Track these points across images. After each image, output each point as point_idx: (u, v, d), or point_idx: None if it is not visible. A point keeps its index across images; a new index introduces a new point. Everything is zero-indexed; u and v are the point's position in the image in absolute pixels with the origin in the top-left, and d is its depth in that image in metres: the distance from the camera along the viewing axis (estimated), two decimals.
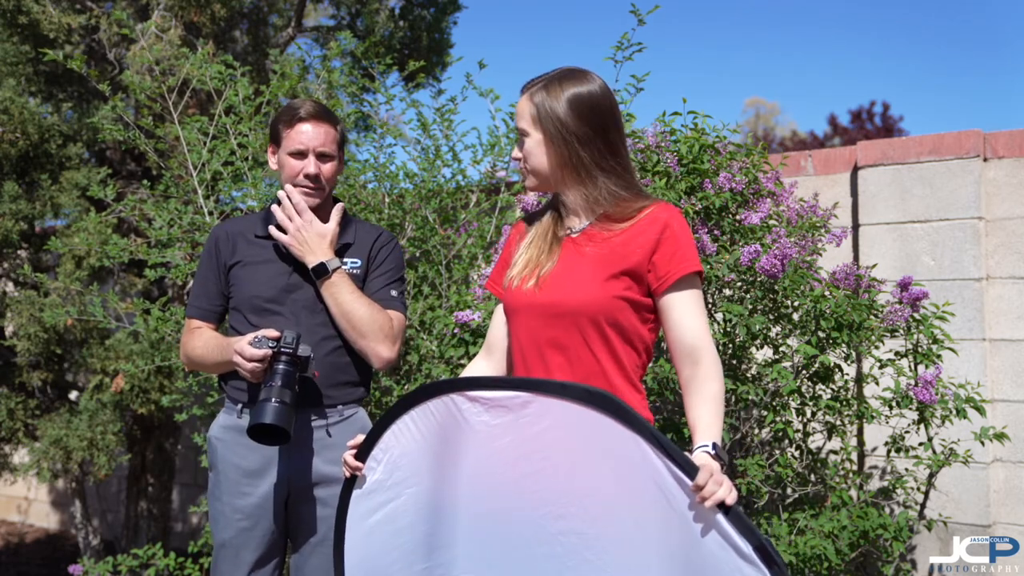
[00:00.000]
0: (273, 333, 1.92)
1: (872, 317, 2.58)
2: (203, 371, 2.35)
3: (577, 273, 1.61)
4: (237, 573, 2.02)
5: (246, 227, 2.13)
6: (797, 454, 2.88)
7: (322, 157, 2.05)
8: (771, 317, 2.66)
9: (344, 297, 2.00)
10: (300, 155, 2.03)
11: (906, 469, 2.93)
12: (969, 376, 3.18)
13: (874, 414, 2.67)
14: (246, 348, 1.91)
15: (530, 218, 1.78)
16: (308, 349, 1.94)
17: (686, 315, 1.58)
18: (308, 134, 2.03)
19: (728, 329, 2.65)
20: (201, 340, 2.07)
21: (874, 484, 3.27)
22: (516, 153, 1.69)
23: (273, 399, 1.84)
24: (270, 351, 1.90)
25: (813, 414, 2.82)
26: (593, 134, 1.61)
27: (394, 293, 2.13)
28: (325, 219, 2.09)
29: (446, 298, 3.14)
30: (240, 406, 2.05)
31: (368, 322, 2.00)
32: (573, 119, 1.61)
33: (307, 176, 2.02)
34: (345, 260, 2.07)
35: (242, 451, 2.03)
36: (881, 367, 2.72)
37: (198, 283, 2.13)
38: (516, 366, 1.69)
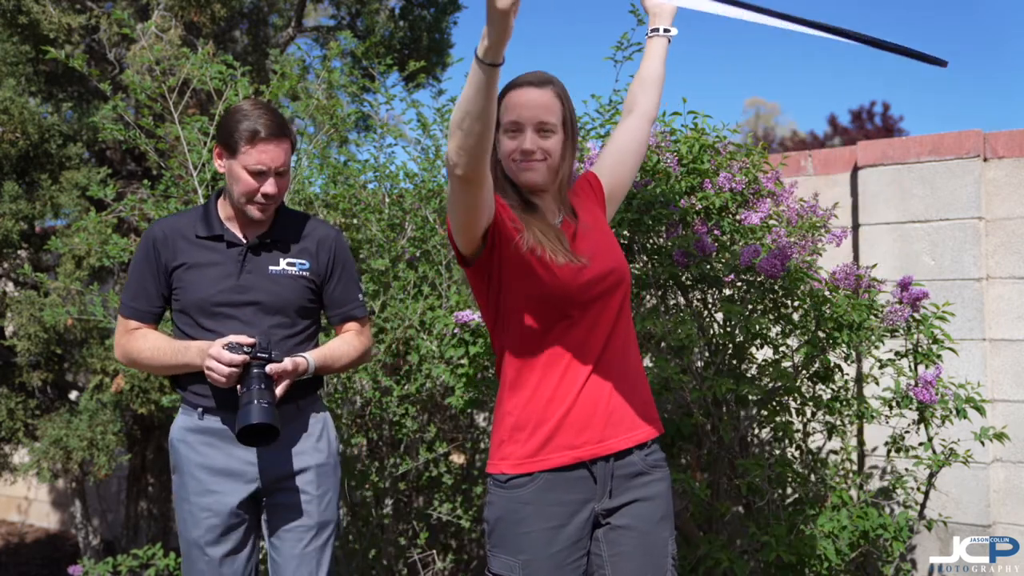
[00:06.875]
0: (247, 340, 1.95)
1: (872, 317, 2.58)
2: (147, 372, 2.36)
3: (604, 241, 1.73)
4: (208, 569, 2.05)
5: (185, 227, 2.09)
6: (797, 454, 2.88)
7: (280, 174, 2.04)
8: (771, 317, 2.66)
9: (336, 367, 2.15)
10: (260, 174, 2.01)
11: (906, 469, 2.93)
12: (969, 376, 3.17)
13: (874, 414, 2.67)
14: (223, 354, 1.91)
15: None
16: (281, 356, 1.98)
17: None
18: (270, 154, 2.00)
19: (728, 329, 2.65)
20: (148, 342, 2.05)
21: (874, 484, 3.27)
22: (531, 145, 1.63)
23: (256, 400, 1.87)
24: (247, 357, 1.92)
25: (813, 414, 2.82)
26: (577, 141, 1.73)
27: (361, 297, 2.22)
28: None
29: (446, 298, 3.14)
30: (200, 410, 2.06)
31: (358, 359, 2.20)
32: (577, 127, 1.72)
33: (265, 196, 2.02)
34: (293, 261, 2.09)
35: (206, 451, 2.05)
36: (881, 367, 2.72)
37: (134, 283, 2.08)
38: (566, 370, 1.64)
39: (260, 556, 2.20)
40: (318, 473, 2.09)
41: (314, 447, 2.10)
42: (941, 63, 1.52)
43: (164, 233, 2.07)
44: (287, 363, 1.97)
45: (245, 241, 2.08)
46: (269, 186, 2.01)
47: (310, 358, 2.05)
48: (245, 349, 1.93)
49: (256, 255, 2.07)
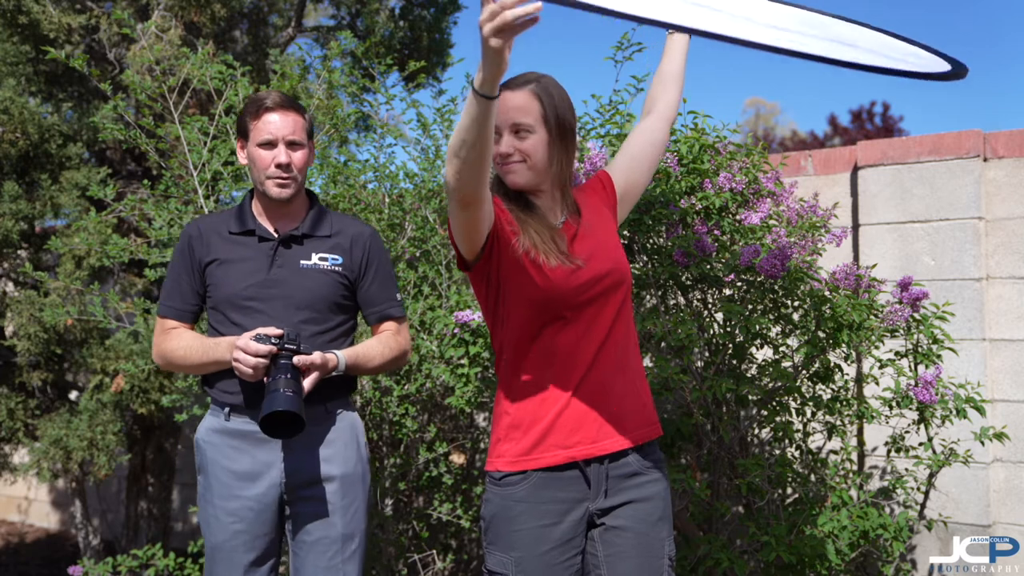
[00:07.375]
0: (275, 331, 1.92)
1: (872, 317, 2.58)
2: (181, 372, 2.34)
3: (606, 242, 1.72)
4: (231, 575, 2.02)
5: (219, 224, 2.10)
6: (797, 454, 2.88)
7: (292, 145, 2.02)
8: (771, 317, 2.66)
9: (369, 367, 2.08)
10: (270, 145, 2.01)
11: (906, 469, 2.93)
12: (969, 376, 3.17)
13: (874, 414, 2.67)
14: (250, 344, 1.89)
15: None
16: (310, 349, 1.94)
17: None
18: (276, 123, 2.00)
19: (728, 329, 2.65)
20: (182, 341, 2.04)
21: (874, 484, 3.27)
22: (507, 148, 1.64)
23: (282, 389, 1.83)
24: (275, 348, 1.89)
25: (813, 414, 2.82)
26: (573, 139, 1.70)
27: (398, 296, 2.18)
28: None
29: (446, 298, 3.14)
30: (227, 409, 2.03)
31: (394, 360, 2.14)
32: (570, 125, 1.68)
33: (279, 166, 2.00)
34: (325, 256, 2.07)
35: (232, 453, 2.02)
36: (881, 367, 2.72)
37: (171, 282, 2.10)
38: (571, 369, 1.64)
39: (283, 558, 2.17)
40: (344, 483, 2.04)
41: (342, 455, 2.05)
42: (961, 73, 1.51)
43: (199, 230, 2.09)
44: (316, 356, 1.92)
45: (276, 235, 2.07)
46: (281, 155, 2.00)
47: (341, 355, 2.00)
48: (272, 340, 1.89)
49: (287, 248, 2.06)
